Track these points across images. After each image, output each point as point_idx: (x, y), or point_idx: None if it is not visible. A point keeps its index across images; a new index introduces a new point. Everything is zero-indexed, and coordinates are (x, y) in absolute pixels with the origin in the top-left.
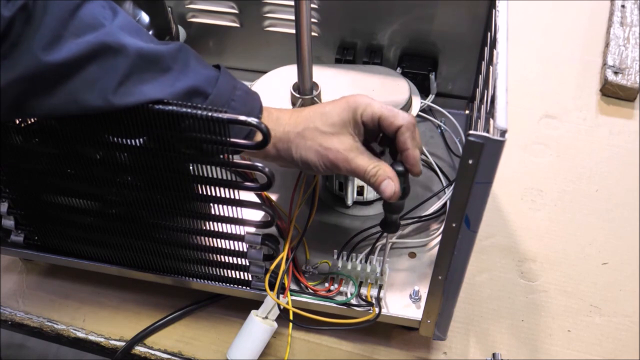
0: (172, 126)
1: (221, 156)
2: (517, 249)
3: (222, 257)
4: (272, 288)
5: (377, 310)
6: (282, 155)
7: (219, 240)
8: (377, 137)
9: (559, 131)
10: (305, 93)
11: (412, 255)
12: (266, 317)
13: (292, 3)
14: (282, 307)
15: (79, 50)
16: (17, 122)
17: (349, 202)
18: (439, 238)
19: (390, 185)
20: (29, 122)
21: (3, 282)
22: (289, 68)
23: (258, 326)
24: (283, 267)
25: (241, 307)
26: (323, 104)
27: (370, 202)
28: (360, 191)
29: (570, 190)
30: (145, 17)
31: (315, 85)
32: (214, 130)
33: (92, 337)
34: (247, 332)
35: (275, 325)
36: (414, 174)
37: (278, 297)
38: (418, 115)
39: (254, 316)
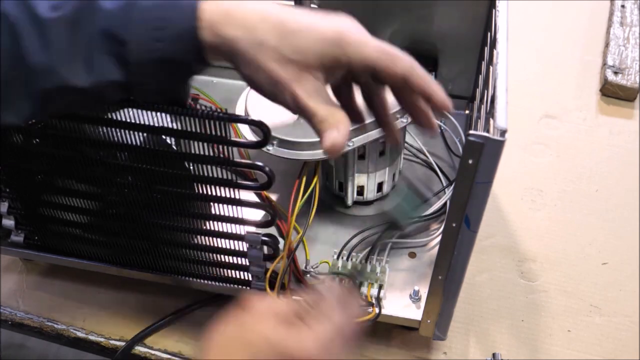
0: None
1: (221, 155)
2: (517, 249)
3: (222, 256)
4: (272, 288)
5: (377, 310)
6: (225, 59)
7: (219, 239)
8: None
9: (559, 131)
10: None
11: (412, 255)
12: None
13: (292, 3)
14: None
15: None
16: None
17: (349, 202)
18: (439, 238)
19: (333, 134)
20: (30, 122)
21: (3, 282)
22: None
23: None
24: (283, 266)
25: None
26: (300, 18)
27: (370, 202)
28: (360, 191)
29: (570, 190)
30: None
31: None
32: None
33: (92, 337)
34: None
35: None
36: (445, 108)
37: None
38: None
39: None
